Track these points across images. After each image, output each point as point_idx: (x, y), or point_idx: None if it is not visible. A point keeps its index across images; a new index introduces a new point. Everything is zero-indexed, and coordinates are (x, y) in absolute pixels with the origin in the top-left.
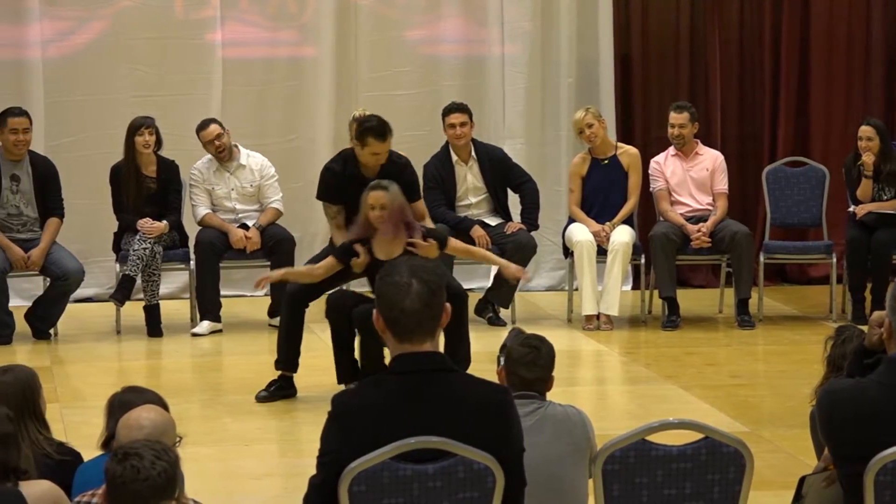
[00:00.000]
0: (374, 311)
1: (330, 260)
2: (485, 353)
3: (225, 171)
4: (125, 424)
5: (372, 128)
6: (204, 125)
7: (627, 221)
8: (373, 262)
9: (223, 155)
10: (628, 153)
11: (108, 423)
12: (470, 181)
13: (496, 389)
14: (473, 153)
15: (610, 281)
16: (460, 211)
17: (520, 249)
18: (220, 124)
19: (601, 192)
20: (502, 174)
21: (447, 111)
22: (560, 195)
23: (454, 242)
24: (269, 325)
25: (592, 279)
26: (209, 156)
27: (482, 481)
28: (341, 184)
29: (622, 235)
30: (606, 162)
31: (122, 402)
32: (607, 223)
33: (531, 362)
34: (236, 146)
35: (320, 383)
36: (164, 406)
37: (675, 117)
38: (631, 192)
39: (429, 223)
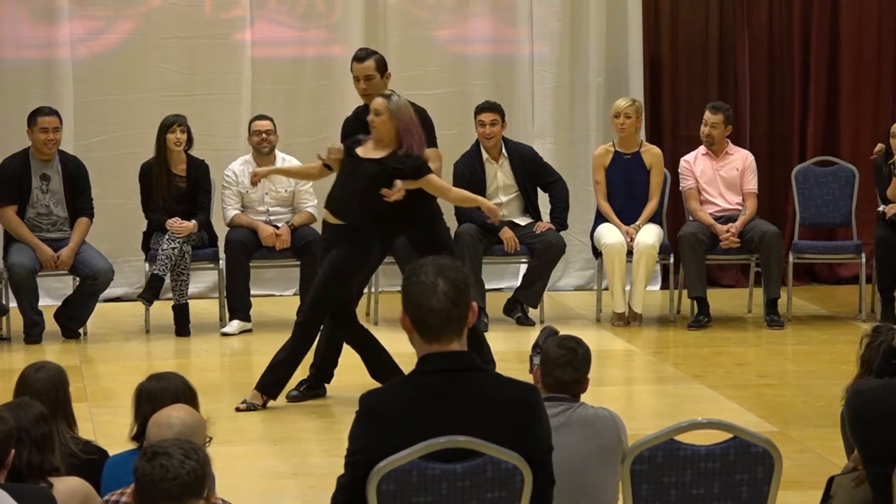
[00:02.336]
0: (401, 311)
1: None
2: (513, 352)
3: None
4: (156, 423)
5: (354, 55)
6: (261, 117)
7: (656, 220)
8: (351, 160)
9: (263, 147)
10: (651, 152)
11: (136, 414)
12: (500, 179)
13: (524, 388)
14: (504, 151)
15: (635, 283)
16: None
17: (548, 249)
18: (274, 125)
19: (621, 187)
20: (532, 172)
21: (479, 110)
22: (589, 194)
23: (432, 179)
24: None
25: (622, 281)
26: (244, 157)
27: (510, 481)
28: (355, 128)
29: (648, 237)
30: (629, 157)
31: (150, 392)
32: (633, 226)
33: (567, 363)
34: (275, 151)
35: (349, 383)
36: (192, 391)
37: (710, 117)
38: (653, 193)
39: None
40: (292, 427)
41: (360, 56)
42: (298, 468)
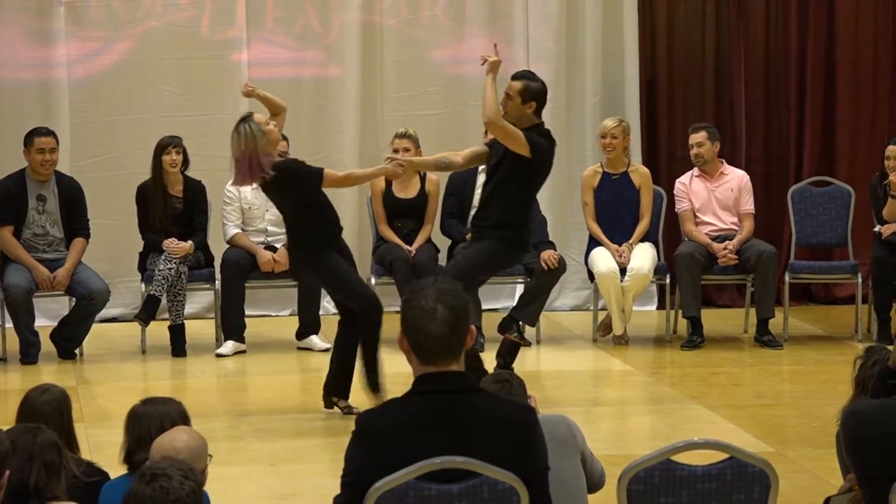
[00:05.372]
0: (399, 332)
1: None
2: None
3: (262, 192)
4: (159, 448)
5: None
6: None
7: (651, 239)
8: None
9: None
10: (639, 172)
11: (127, 435)
12: None
13: (520, 409)
14: None
15: (625, 307)
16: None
17: (549, 269)
18: (287, 141)
19: (611, 207)
20: None
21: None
22: (581, 227)
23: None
24: (298, 347)
25: (618, 305)
26: None
27: (507, 501)
28: None
29: (643, 261)
30: (617, 177)
31: (141, 414)
32: (625, 244)
33: (507, 395)
34: None
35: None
36: (185, 414)
37: (692, 137)
38: (644, 212)
39: None
40: (289, 448)
41: (516, 74)
42: (296, 489)
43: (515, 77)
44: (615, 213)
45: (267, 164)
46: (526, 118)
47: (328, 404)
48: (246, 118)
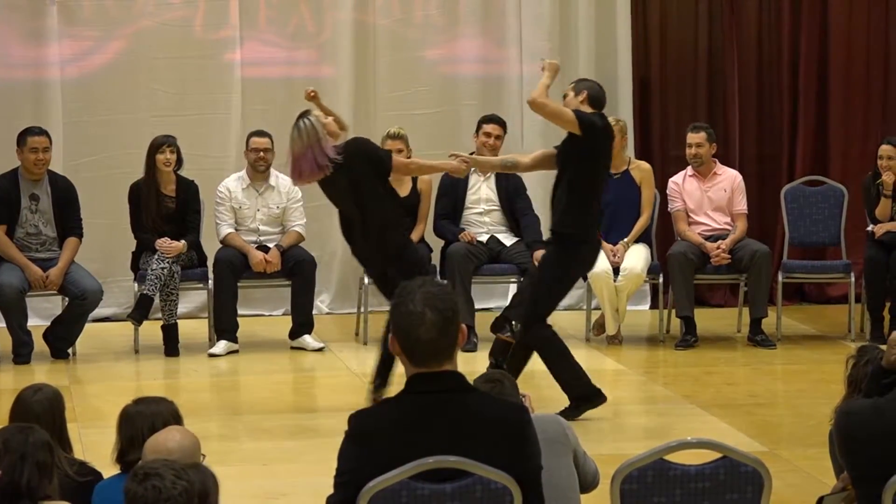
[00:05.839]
0: (391, 335)
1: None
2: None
3: (254, 191)
4: (152, 448)
5: None
6: (259, 133)
7: (645, 239)
8: None
9: (259, 165)
10: (640, 168)
11: (119, 435)
12: (484, 192)
13: (513, 408)
14: None
15: (619, 307)
16: (471, 219)
17: None
18: (272, 142)
19: (611, 206)
20: (514, 198)
21: (485, 120)
22: None
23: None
24: (291, 347)
25: (612, 305)
26: (238, 174)
27: (500, 501)
28: None
29: (636, 261)
30: (618, 176)
31: (134, 414)
32: (621, 242)
33: (499, 395)
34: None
35: (338, 403)
36: (177, 414)
37: (692, 137)
38: (644, 207)
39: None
40: (282, 448)
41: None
42: (289, 489)
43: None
44: (616, 213)
45: (331, 151)
46: (581, 107)
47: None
48: (304, 114)
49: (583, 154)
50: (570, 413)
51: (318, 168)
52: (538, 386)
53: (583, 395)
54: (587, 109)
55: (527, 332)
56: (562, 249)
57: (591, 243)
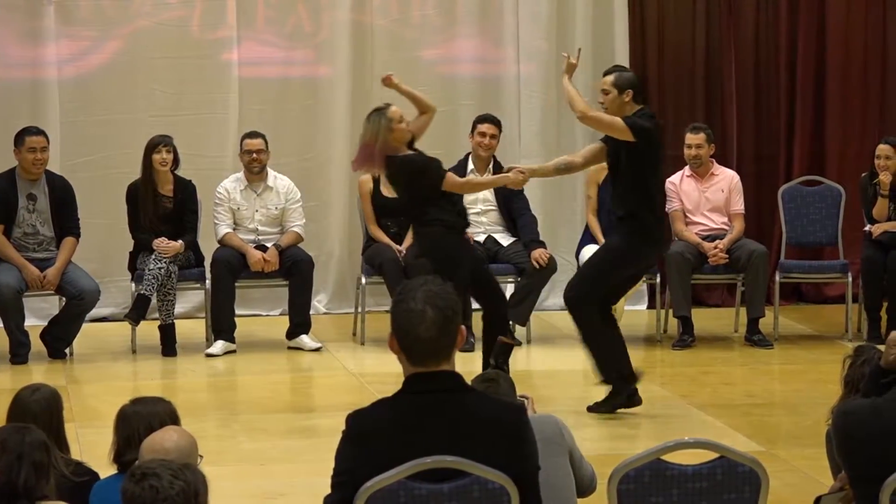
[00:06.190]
0: (390, 333)
1: None
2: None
3: (252, 192)
4: (149, 448)
5: None
6: (252, 135)
7: None
8: None
9: (254, 167)
10: None
11: (116, 435)
12: (481, 193)
13: (511, 409)
14: (491, 167)
15: (616, 307)
16: (469, 218)
17: (540, 268)
18: (266, 143)
19: (608, 202)
20: (510, 198)
21: (480, 120)
22: (575, 214)
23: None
24: (288, 347)
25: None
26: (236, 175)
27: (497, 501)
28: None
29: None
30: None
31: (131, 414)
32: None
33: (494, 394)
34: (267, 169)
35: (335, 403)
36: (174, 414)
37: (691, 138)
38: None
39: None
40: (279, 447)
41: (605, 70)
42: (286, 489)
43: (606, 73)
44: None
45: (380, 161)
46: (627, 107)
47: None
48: (382, 109)
49: (636, 154)
50: (604, 405)
51: (369, 167)
52: (535, 387)
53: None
54: (633, 107)
55: (574, 310)
56: (618, 234)
57: (644, 231)
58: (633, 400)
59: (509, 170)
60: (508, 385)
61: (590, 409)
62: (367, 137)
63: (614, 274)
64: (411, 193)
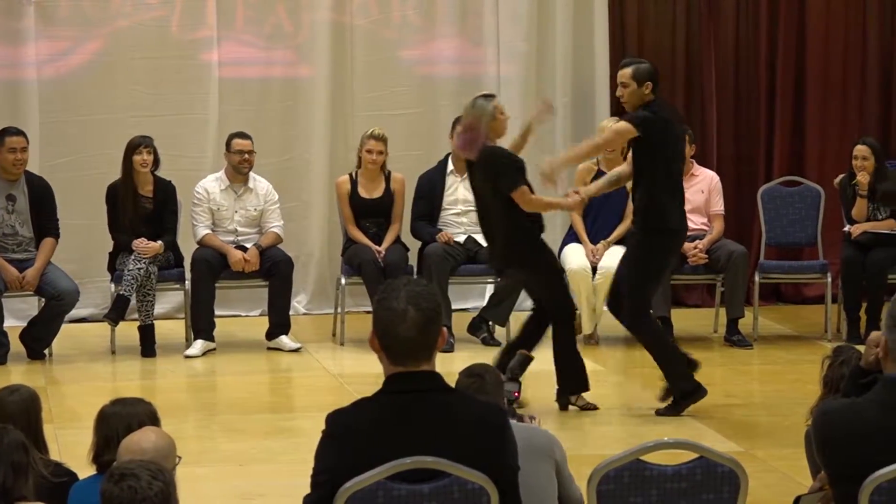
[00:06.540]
0: (371, 332)
1: None
2: None
3: (233, 192)
4: (127, 449)
5: None
6: (242, 135)
7: (625, 241)
8: None
9: (243, 167)
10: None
11: (95, 435)
12: (461, 194)
13: (491, 409)
14: None
15: (596, 306)
16: (449, 219)
17: None
18: (253, 144)
19: (597, 206)
20: None
21: (460, 120)
22: (556, 216)
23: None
24: (268, 347)
25: (589, 304)
26: (216, 174)
27: (477, 501)
28: None
29: (614, 260)
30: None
31: (110, 414)
32: (602, 242)
33: (478, 390)
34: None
35: (315, 404)
36: (154, 415)
37: None
38: (629, 213)
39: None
40: (258, 447)
41: (622, 63)
42: (265, 489)
43: (622, 66)
44: (601, 211)
45: (478, 147)
46: (647, 98)
47: (563, 406)
48: (489, 96)
49: (646, 149)
50: (671, 410)
51: (472, 150)
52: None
53: (686, 390)
54: (649, 97)
55: (632, 327)
56: (634, 236)
57: (658, 225)
58: (699, 395)
59: (571, 195)
60: (495, 382)
61: (658, 413)
62: (471, 121)
63: (655, 284)
64: (491, 186)
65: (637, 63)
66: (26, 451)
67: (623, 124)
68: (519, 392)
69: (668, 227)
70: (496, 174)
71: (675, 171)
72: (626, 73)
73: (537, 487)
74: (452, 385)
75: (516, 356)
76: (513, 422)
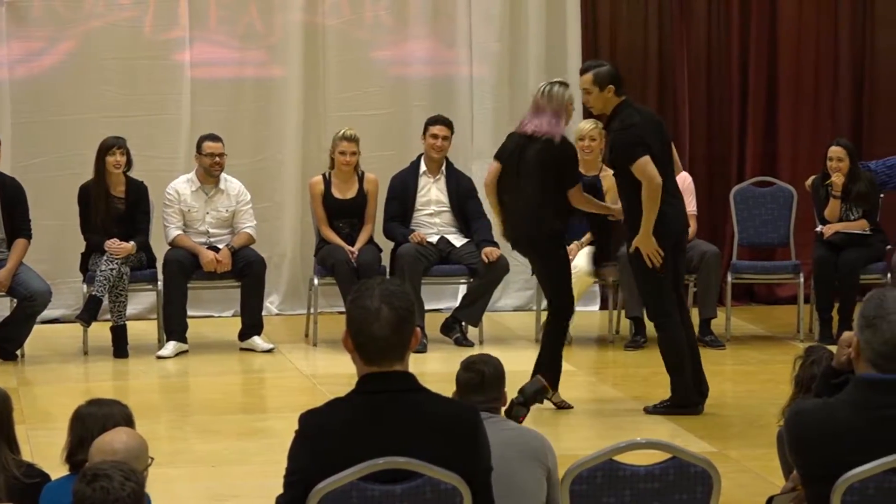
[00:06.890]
0: (344, 331)
1: None
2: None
3: (203, 194)
4: (98, 449)
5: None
6: (213, 138)
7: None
8: None
9: (214, 170)
10: (609, 176)
11: (70, 435)
12: (434, 194)
13: (464, 409)
14: (444, 169)
15: None
16: (422, 220)
17: (492, 269)
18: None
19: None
20: (465, 200)
21: (432, 121)
22: None
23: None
24: (241, 348)
25: None
26: (186, 176)
27: (450, 501)
28: None
29: (586, 261)
30: (588, 179)
31: (86, 415)
32: (575, 242)
33: (478, 386)
34: None
35: (288, 404)
36: (130, 417)
37: None
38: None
39: None
40: (231, 448)
41: (581, 69)
42: (238, 490)
43: (582, 71)
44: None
45: (559, 130)
46: (610, 102)
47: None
48: (566, 84)
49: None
50: (660, 410)
51: (552, 132)
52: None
53: (683, 403)
54: (617, 99)
55: (656, 327)
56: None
57: (660, 233)
58: (695, 411)
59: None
60: (493, 376)
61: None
62: (554, 105)
63: (664, 283)
64: (552, 175)
65: (597, 67)
66: None
67: (639, 163)
68: (525, 416)
69: (659, 229)
70: (563, 169)
71: (667, 172)
72: (587, 78)
73: (526, 490)
74: (425, 386)
75: (533, 381)
76: (510, 423)
